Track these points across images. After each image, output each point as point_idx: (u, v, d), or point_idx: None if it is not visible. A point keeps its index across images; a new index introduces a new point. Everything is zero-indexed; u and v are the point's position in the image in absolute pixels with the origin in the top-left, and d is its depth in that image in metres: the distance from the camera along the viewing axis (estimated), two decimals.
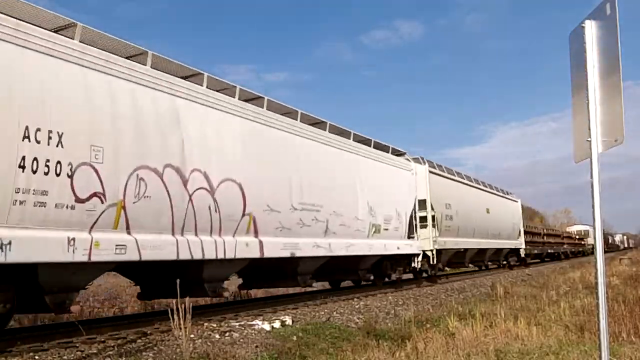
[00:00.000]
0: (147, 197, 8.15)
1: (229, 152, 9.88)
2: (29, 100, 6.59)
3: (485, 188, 25.97)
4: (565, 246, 48.59)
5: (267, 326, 8.55)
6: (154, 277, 9.98)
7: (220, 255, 9.35)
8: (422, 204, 18.24)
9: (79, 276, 7.67)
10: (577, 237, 59.04)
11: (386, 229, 15.36)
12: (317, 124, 13.44)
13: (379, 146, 16.25)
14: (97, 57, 7.67)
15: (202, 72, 9.98)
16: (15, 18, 6.78)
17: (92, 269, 7.82)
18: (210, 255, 9.14)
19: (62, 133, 6.86)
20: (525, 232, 33.15)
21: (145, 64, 8.68)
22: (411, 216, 17.14)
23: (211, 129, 9.62)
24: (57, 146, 6.79)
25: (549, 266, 33.01)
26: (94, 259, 7.25)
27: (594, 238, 3.96)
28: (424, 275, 19.03)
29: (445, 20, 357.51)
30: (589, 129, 3.91)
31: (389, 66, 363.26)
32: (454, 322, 8.99)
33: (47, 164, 6.67)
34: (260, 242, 10.38)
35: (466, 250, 22.37)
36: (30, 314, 11.15)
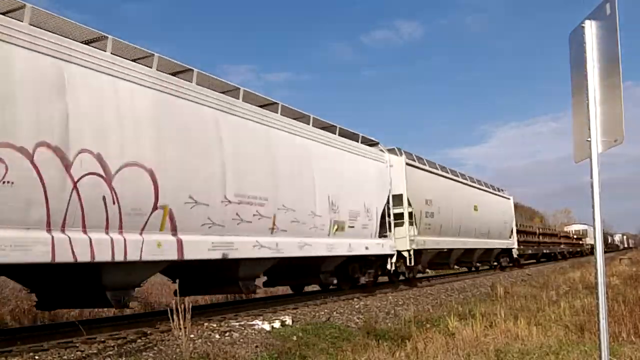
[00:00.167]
0: (8, 182, 6.37)
1: (136, 130, 8.08)
2: None
3: (473, 184, 23.97)
4: (562, 246, 46.72)
5: (267, 326, 8.47)
6: (48, 284, 8.26)
7: (119, 258, 7.54)
8: (398, 199, 16.35)
9: None
10: (575, 236, 56.86)
11: (352, 227, 13.52)
12: (268, 105, 11.65)
13: (346, 134, 14.43)
14: None
15: (107, 35, 8.25)
16: None
17: None
18: (103, 257, 7.33)
19: None
20: (519, 232, 31.44)
21: (22, 21, 6.98)
22: (384, 213, 15.27)
23: (113, 102, 7.84)
24: None
25: (548, 266, 32.42)
26: None
27: (594, 238, 3.96)
28: (401, 278, 17.14)
29: (445, 20, 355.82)
30: (589, 129, 3.91)
31: (389, 66, 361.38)
32: (454, 322, 9.01)
33: None
34: (179, 241, 8.56)
35: (451, 250, 20.53)
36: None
